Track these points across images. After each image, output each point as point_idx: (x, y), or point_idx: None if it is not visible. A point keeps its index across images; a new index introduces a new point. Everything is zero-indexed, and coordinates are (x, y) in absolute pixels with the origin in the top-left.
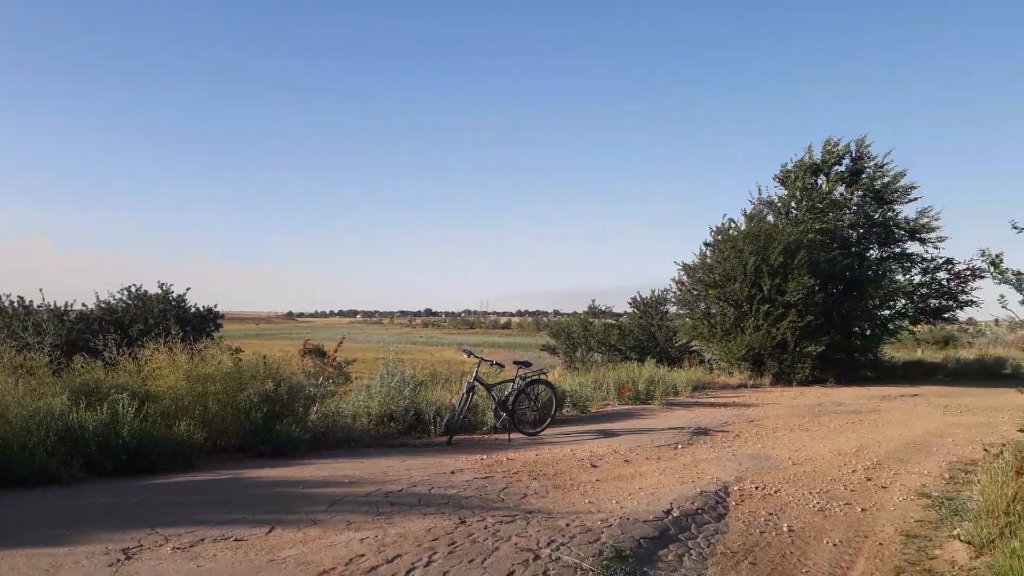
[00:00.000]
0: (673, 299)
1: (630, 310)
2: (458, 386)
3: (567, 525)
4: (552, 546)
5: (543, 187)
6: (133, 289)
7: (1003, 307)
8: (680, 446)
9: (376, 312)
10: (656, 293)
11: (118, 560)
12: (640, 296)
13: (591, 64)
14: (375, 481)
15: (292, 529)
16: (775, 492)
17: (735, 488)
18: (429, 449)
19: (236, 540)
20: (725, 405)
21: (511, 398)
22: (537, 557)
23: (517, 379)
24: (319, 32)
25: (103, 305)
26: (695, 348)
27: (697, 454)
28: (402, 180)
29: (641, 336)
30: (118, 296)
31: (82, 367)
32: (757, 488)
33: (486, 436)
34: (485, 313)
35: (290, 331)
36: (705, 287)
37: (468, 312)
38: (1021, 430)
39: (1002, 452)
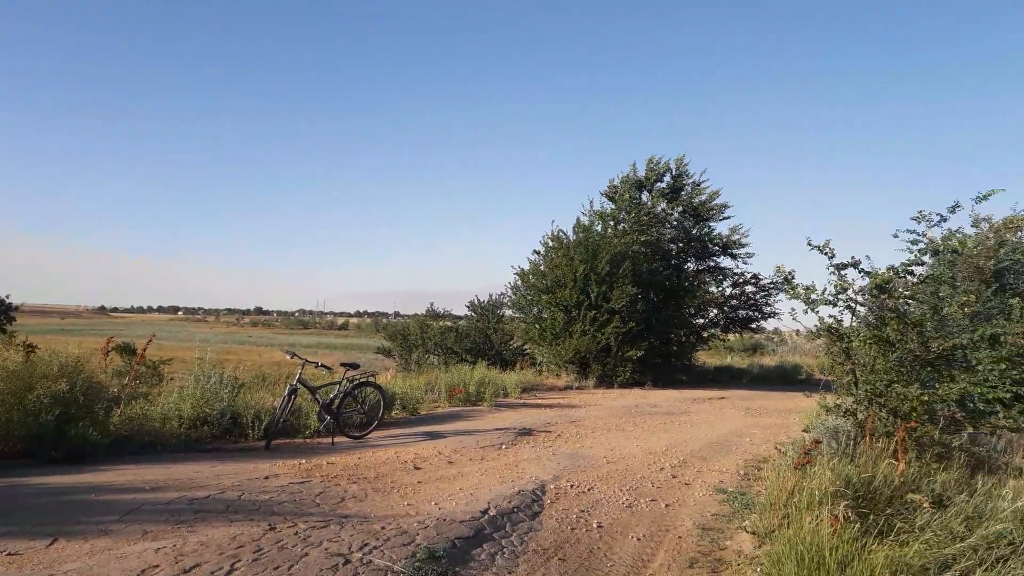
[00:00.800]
0: (509, 303)
1: (468, 313)
2: (283, 389)
3: (383, 528)
4: (364, 550)
5: (390, 188)
6: None
7: (793, 319)
8: (504, 446)
9: (200, 309)
10: (493, 297)
11: None
12: (478, 299)
13: (435, 70)
14: (180, 487)
15: (78, 540)
16: (589, 490)
17: (552, 487)
18: (245, 454)
19: (9, 554)
20: (551, 406)
21: (337, 401)
22: (348, 561)
23: (344, 381)
24: None
25: None
26: (527, 351)
27: (519, 454)
28: (237, 174)
29: (477, 339)
30: None
31: None
32: (572, 486)
33: (308, 440)
34: (321, 313)
35: (100, 327)
36: (538, 292)
37: (303, 311)
38: (805, 430)
39: (788, 451)
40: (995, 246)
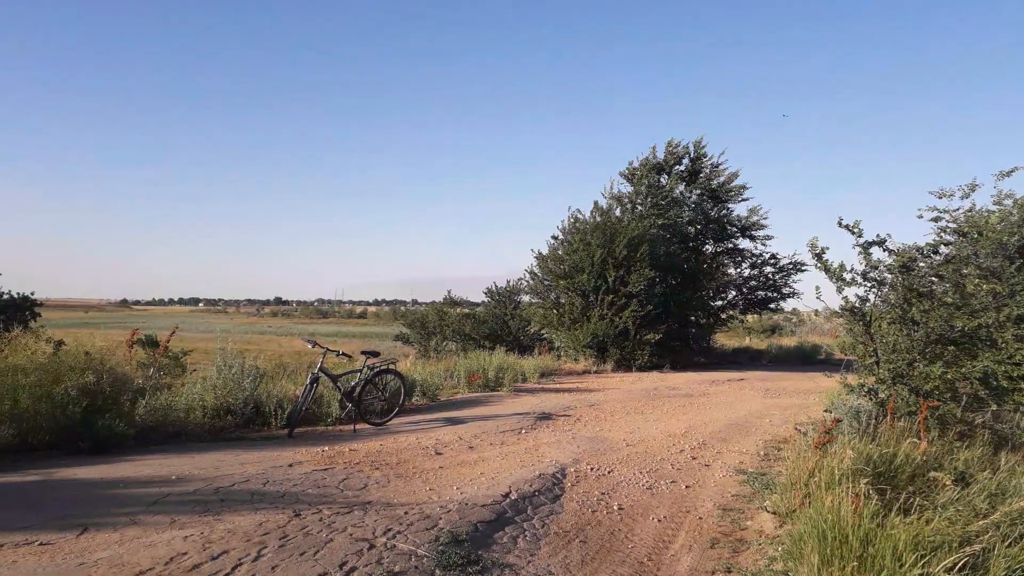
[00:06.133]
0: (527, 289)
1: (486, 299)
2: (304, 377)
3: (405, 513)
4: (388, 535)
5: (407, 178)
6: None
7: (818, 297)
8: (524, 431)
9: (220, 300)
10: (511, 283)
11: None
12: (495, 286)
13: (458, 59)
14: (206, 477)
15: (108, 530)
16: (609, 473)
17: (572, 470)
18: (268, 443)
19: (42, 544)
20: (569, 391)
21: (358, 388)
22: (372, 546)
23: (365, 369)
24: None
25: None
26: (545, 336)
27: (539, 438)
28: (253, 167)
29: (495, 325)
30: None
31: None
32: (592, 469)
33: (330, 428)
34: (340, 302)
35: (123, 320)
36: (555, 277)
37: (322, 301)
38: (827, 410)
39: (808, 431)
40: (1019, 221)
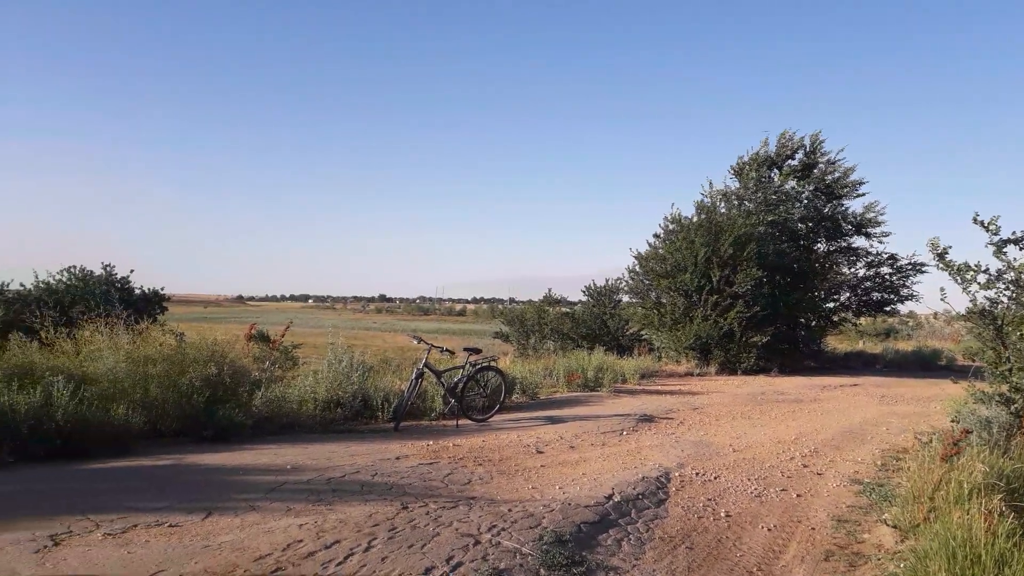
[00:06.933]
0: (626, 288)
1: (584, 299)
2: (408, 372)
3: (509, 511)
4: (493, 531)
5: (504, 176)
6: (75, 269)
7: (942, 299)
8: (625, 432)
9: (329, 297)
10: (610, 282)
11: (44, 547)
12: (594, 285)
13: (552, 58)
14: (318, 467)
15: (230, 515)
16: (715, 478)
17: (676, 474)
18: (375, 435)
19: (171, 526)
20: (671, 393)
21: (460, 384)
22: (477, 542)
23: (467, 365)
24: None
25: (42, 285)
26: (645, 336)
27: (641, 440)
28: (359, 166)
29: (593, 325)
30: (58, 276)
31: (17, 347)
32: (698, 474)
33: (434, 422)
34: (440, 299)
35: (239, 315)
36: (656, 277)
37: (423, 298)
38: (953, 419)
39: (931, 440)
40: None
